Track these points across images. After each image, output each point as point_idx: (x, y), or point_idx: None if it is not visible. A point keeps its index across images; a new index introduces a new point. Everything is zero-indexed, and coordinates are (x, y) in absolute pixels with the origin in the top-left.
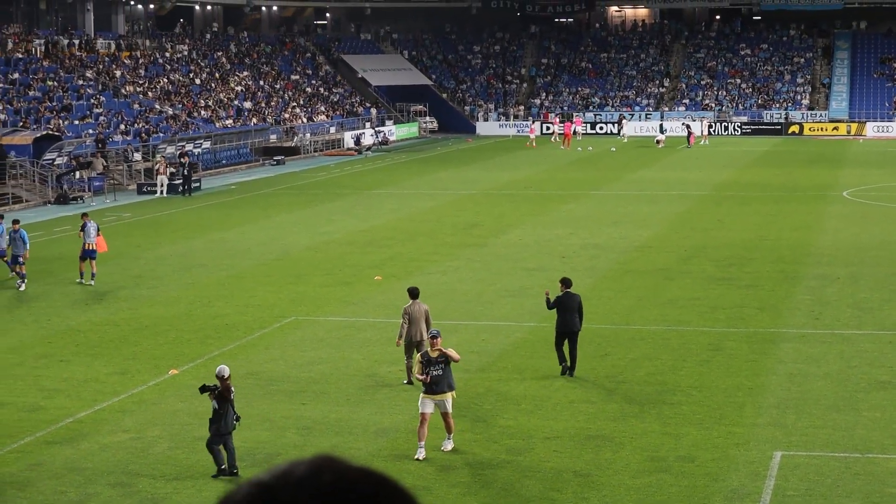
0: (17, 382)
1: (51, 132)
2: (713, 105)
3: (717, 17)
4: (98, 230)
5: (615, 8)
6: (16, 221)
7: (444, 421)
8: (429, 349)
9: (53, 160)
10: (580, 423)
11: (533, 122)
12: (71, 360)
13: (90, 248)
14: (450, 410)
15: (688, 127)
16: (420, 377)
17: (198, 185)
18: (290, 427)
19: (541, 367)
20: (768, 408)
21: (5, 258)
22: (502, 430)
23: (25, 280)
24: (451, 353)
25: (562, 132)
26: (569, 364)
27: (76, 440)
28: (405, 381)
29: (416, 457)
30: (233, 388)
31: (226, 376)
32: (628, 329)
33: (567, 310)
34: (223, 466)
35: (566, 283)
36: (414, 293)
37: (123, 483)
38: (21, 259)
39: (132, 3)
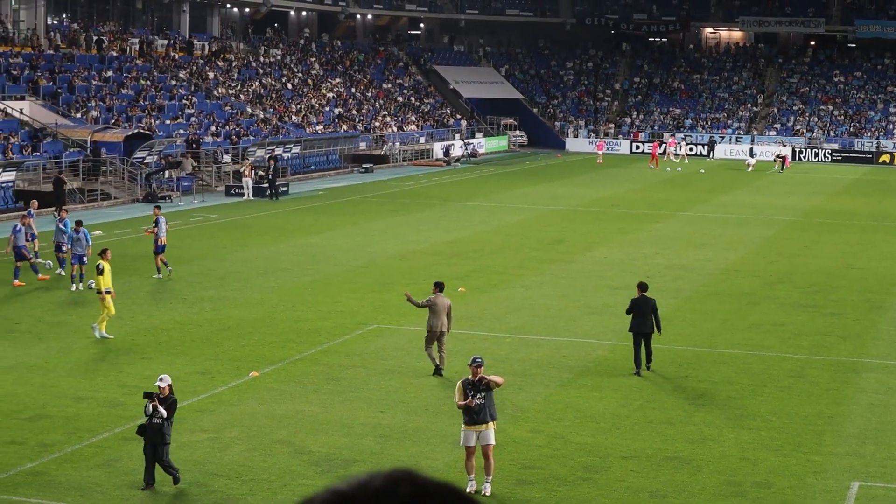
0: (98, 378)
1: (142, 131)
2: (804, 131)
3: (812, 42)
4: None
5: (710, 29)
6: (79, 222)
7: (484, 458)
8: (470, 376)
9: (143, 159)
10: (658, 443)
11: (601, 138)
12: (153, 358)
13: (163, 242)
14: (492, 443)
15: (780, 153)
16: (461, 404)
17: (286, 189)
18: (368, 434)
19: (621, 385)
20: (848, 437)
21: (64, 254)
22: (579, 447)
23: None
24: (494, 378)
25: (678, 153)
26: (644, 366)
27: None
28: (433, 373)
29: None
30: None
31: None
32: (711, 352)
33: (641, 313)
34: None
35: (642, 287)
36: (440, 286)
37: (199, 482)
38: (86, 259)
39: (227, 5)
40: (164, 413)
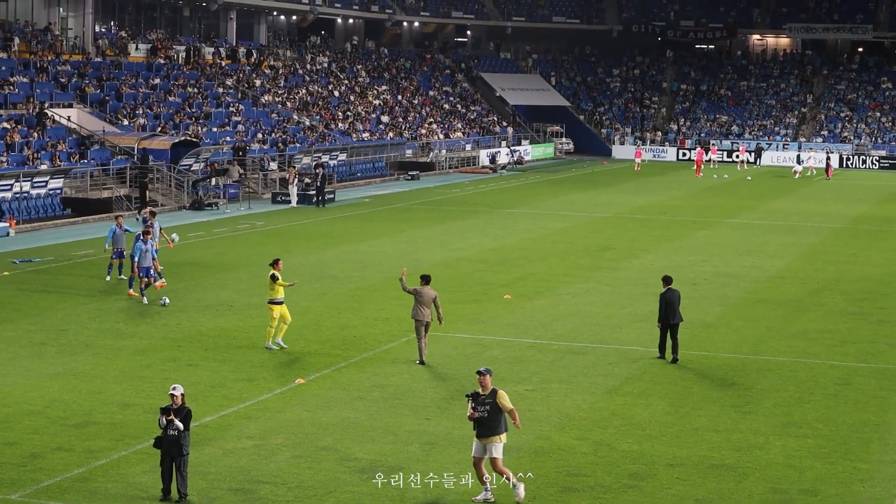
0: (144, 384)
1: (189, 138)
2: (852, 137)
3: (860, 48)
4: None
5: (757, 36)
6: (146, 233)
7: (493, 468)
8: (479, 388)
9: (190, 166)
10: (704, 451)
11: (638, 145)
12: (199, 365)
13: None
14: (498, 457)
15: (828, 158)
16: (468, 414)
17: (332, 196)
18: (414, 441)
19: (667, 392)
20: (895, 445)
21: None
22: (625, 454)
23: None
24: (510, 408)
25: (741, 159)
26: (672, 355)
27: (200, 444)
28: (416, 361)
29: (478, 497)
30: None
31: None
32: (756, 359)
33: (670, 305)
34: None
35: (668, 280)
36: (426, 279)
37: (245, 489)
38: (152, 272)
39: (274, 13)
40: (181, 426)
